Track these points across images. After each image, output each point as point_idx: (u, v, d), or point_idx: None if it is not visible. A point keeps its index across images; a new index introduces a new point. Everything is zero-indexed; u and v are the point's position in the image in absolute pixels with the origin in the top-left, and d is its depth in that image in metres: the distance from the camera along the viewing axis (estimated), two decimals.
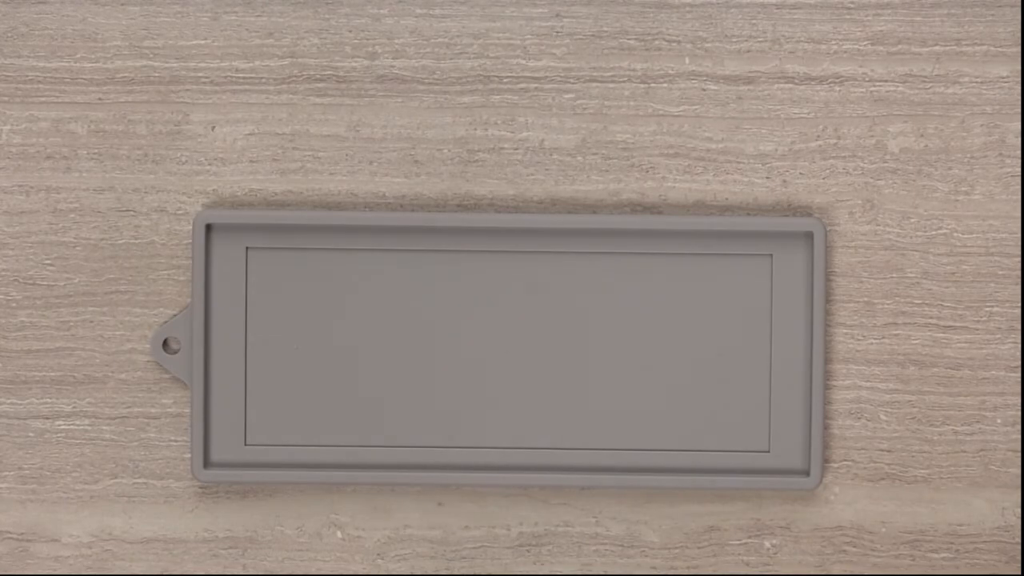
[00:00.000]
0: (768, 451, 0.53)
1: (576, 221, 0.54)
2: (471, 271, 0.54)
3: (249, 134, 0.55)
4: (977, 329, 0.55)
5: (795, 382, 0.53)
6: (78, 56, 0.54)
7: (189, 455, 0.55)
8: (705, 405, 0.53)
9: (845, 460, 0.56)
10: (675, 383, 0.53)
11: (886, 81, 0.54)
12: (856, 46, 0.54)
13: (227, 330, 0.53)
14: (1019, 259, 0.56)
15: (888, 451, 0.56)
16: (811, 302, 0.53)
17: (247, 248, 0.54)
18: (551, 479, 0.54)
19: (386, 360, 0.54)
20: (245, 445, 0.54)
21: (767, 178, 0.55)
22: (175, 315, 0.55)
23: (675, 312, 0.53)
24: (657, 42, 0.54)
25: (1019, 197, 0.56)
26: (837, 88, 0.54)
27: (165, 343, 0.54)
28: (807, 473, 0.51)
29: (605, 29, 0.54)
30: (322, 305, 0.54)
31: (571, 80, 0.54)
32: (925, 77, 0.54)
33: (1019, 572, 0.54)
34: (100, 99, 0.54)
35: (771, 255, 0.54)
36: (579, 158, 0.55)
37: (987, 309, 0.56)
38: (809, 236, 0.53)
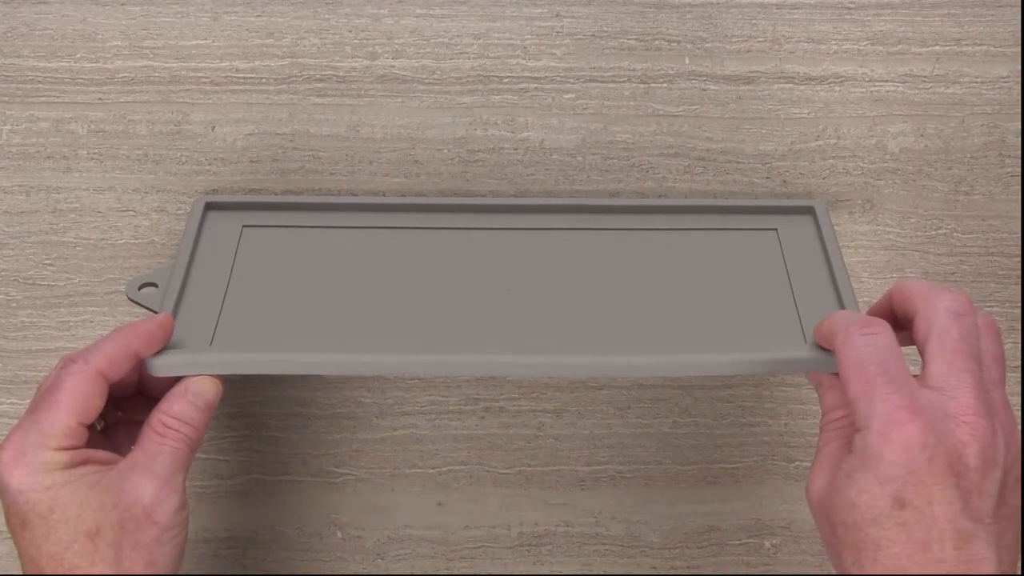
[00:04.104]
0: (805, 343, 0.49)
1: (583, 204, 0.54)
2: (474, 245, 0.53)
3: (249, 134, 0.55)
4: None
5: (823, 300, 0.49)
6: (78, 56, 0.53)
7: None
8: (739, 325, 0.49)
9: None
10: (705, 317, 0.50)
11: (886, 81, 0.54)
12: (856, 46, 0.54)
13: (208, 280, 0.51)
14: (1019, 259, 0.56)
15: None
16: (824, 247, 0.51)
17: (243, 226, 0.54)
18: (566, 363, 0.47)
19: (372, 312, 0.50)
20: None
21: (767, 178, 0.56)
22: (160, 265, 0.55)
23: (696, 270, 0.52)
24: (657, 42, 0.54)
25: (1019, 197, 0.56)
26: (837, 88, 0.54)
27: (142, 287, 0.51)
28: None
29: (605, 29, 0.54)
30: (307, 269, 0.52)
31: (571, 80, 0.54)
32: (925, 77, 0.54)
33: (1020, 573, 0.54)
34: (100, 99, 0.54)
35: (776, 229, 0.53)
36: (579, 158, 0.55)
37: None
38: (811, 210, 0.53)
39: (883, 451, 0.37)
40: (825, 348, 0.44)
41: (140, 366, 0.45)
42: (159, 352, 0.45)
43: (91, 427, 0.43)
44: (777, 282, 0.51)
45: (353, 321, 0.49)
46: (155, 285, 0.51)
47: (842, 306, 0.48)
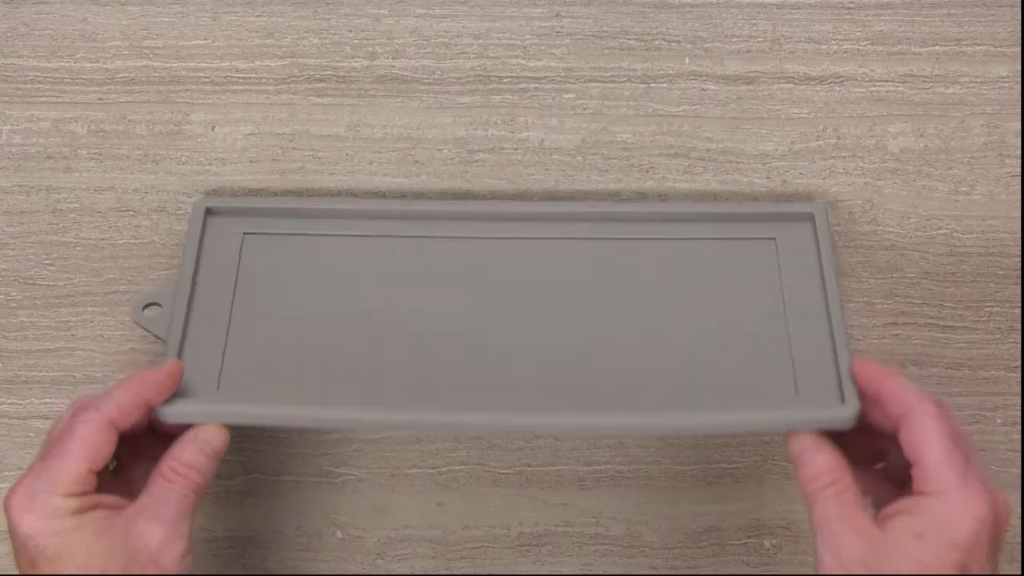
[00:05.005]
0: (797, 394, 0.49)
1: (575, 208, 0.54)
2: (472, 256, 0.53)
3: (249, 134, 0.55)
4: (977, 329, 0.56)
5: (816, 332, 0.51)
6: (78, 56, 0.53)
7: None
8: (729, 365, 0.51)
9: None
10: (696, 350, 0.51)
11: (886, 81, 0.54)
12: (856, 46, 0.54)
13: (212, 300, 0.52)
14: (1019, 259, 0.56)
15: None
16: (820, 267, 0.51)
17: (244, 233, 0.54)
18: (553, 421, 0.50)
19: (371, 333, 0.52)
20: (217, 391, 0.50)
21: (767, 178, 0.56)
22: (162, 281, 0.55)
23: (690, 290, 0.52)
24: (657, 42, 0.54)
25: (1019, 197, 0.56)
26: (837, 88, 0.54)
27: (146, 307, 0.52)
28: (842, 400, 0.47)
29: (605, 29, 0.54)
30: (310, 283, 0.53)
31: (571, 80, 0.54)
32: (925, 77, 0.54)
33: (1019, 572, 0.54)
34: (100, 99, 0.54)
35: (775, 238, 0.53)
36: (579, 158, 0.55)
37: (987, 309, 0.56)
38: (810, 216, 0.53)
39: (961, 519, 0.40)
40: (863, 392, 0.46)
41: (151, 411, 0.47)
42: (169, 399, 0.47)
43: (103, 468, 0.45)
44: (771, 307, 0.51)
45: (358, 361, 0.50)
46: (159, 305, 0.51)
47: (831, 334, 0.49)
